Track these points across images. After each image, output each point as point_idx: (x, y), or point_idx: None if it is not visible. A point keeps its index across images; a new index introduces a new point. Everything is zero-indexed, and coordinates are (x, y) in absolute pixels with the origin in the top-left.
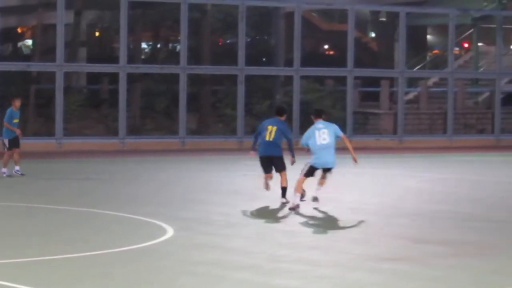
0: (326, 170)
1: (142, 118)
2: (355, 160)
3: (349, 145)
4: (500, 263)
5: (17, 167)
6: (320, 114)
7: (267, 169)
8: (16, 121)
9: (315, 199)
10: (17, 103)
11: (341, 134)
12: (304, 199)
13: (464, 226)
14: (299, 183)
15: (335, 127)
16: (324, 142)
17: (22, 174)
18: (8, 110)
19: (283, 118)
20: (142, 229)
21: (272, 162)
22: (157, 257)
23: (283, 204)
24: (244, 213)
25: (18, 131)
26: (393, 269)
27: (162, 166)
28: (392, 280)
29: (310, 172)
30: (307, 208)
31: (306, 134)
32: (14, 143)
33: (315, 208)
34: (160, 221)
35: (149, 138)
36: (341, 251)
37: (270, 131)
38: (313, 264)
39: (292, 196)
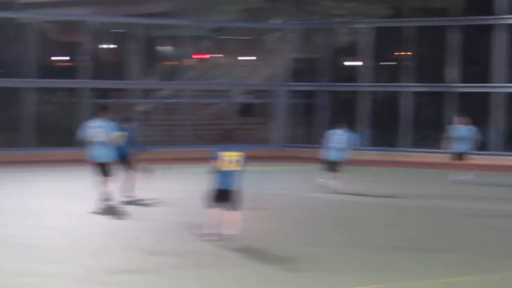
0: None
1: None
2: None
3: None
4: (233, 274)
5: None
6: (103, 111)
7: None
8: None
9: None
10: None
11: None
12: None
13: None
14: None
15: (109, 126)
16: (96, 139)
17: None
18: None
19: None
20: None
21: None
22: None
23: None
24: None
25: None
26: (127, 281)
27: None
28: None
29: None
30: (48, 221)
31: (83, 128)
32: None
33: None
34: None
35: None
36: (78, 264)
37: None
38: (46, 277)
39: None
